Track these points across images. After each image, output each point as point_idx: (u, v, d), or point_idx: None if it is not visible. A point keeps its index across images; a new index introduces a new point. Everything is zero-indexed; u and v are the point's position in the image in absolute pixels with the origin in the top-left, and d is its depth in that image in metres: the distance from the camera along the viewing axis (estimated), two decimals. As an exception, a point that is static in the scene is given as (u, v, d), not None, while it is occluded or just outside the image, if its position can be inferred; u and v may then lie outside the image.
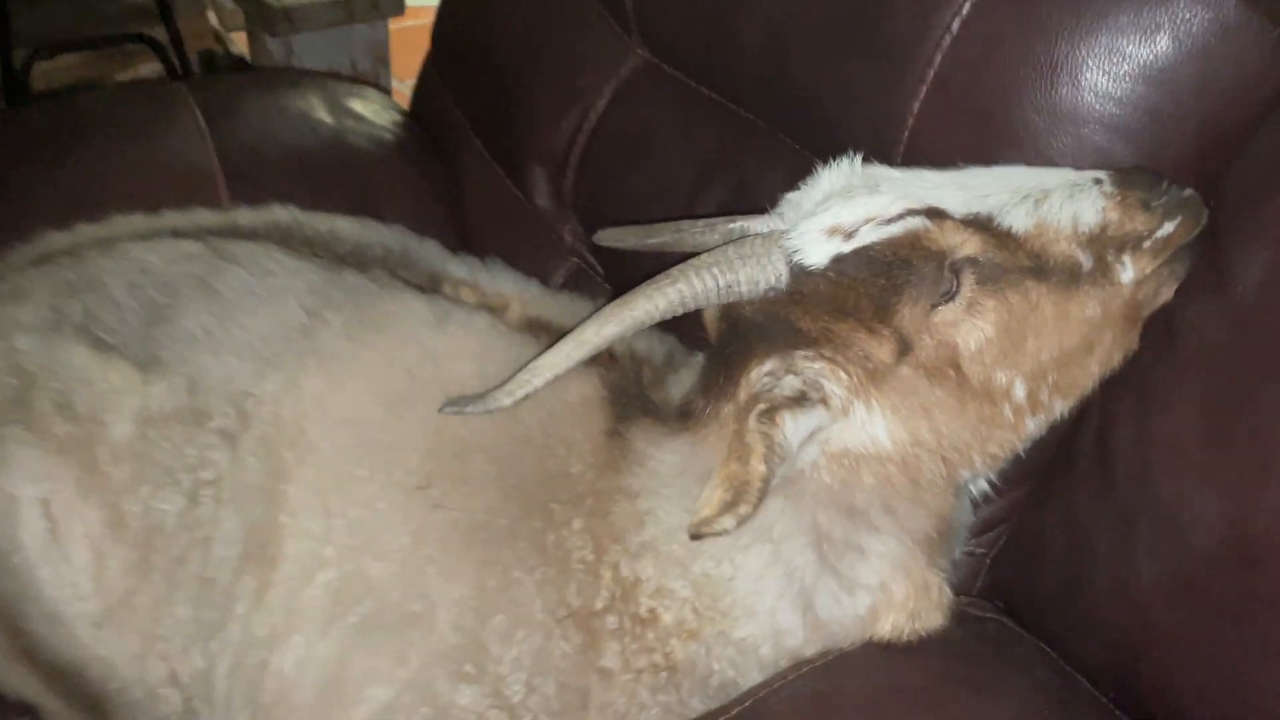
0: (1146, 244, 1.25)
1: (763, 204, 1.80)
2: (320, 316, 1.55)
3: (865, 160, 1.34)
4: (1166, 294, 1.29)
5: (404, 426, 1.48)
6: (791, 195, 1.35)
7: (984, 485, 1.45)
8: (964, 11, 1.41)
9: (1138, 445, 1.28)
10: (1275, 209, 1.17)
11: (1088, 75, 1.35)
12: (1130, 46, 1.33)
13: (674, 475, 1.39)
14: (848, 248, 1.23)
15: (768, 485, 1.18)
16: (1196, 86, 1.30)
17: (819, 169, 1.33)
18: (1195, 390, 1.22)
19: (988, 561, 1.57)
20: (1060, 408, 1.32)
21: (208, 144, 2.00)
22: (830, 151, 1.68)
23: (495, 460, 1.46)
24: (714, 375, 1.34)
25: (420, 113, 2.46)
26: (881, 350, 1.24)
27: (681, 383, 1.48)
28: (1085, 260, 1.24)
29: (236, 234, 1.79)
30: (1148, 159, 1.35)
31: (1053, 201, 1.24)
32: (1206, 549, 1.18)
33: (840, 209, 1.25)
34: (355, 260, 1.76)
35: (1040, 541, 1.45)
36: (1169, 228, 1.25)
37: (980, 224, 1.23)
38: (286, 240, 1.78)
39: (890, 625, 1.38)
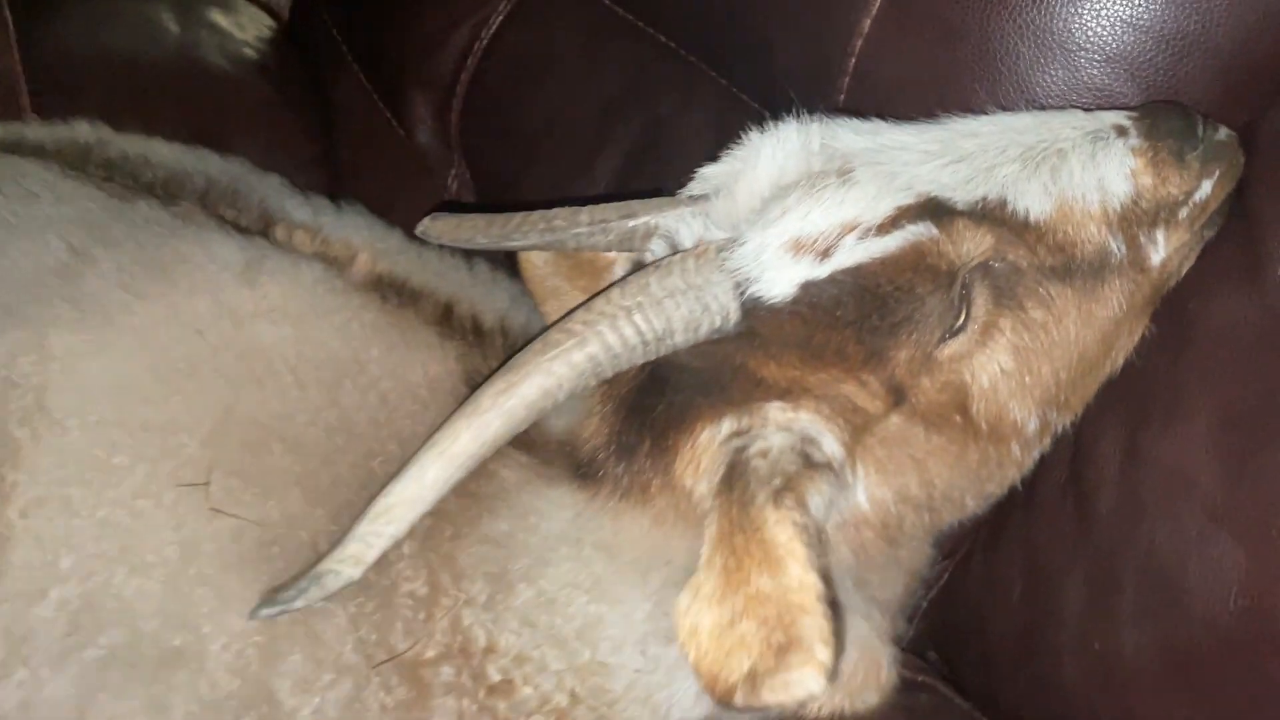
0: (1183, 212, 1.00)
1: (683, 149, 1.48)
2: (87, 256, 1.22)
3: (813, 111, 1.02)
4: (1189, 264, 1.05)
5: (182, 403, 1.16)
6: (714, 170, 1.05)
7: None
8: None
9: (1127, 474, 0.99)
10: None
11: (1088, -12, 1.04)
12: (1145, -48, 1.02)
13: (565, 542, 1.08)
14: (822, 272, 0.94)
15: (833, 604, 0.82)
16: (1231, 5, 0.99)
17: (751, 128, 1.02)
18: (1211, 404, 0.92)
19: (925, 604, 1.26)
20: (1065, 424, 1.08)
21: (10, 43, 1.64)
22: (760, 84, 1.39)
23: (301, 454, 1.16)
24: (631, 431, 1.02)
25: (298, 37, 2.11)
26: (871, 402, 0.97)
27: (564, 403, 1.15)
28: (1116, 247, 1.00)
29: (18, 149, 1.44)
30: (1152, 98, 1.04)
31: (1072, 167, 0.98)
32: (1213, 619, 0.89)
33: (804, 211, 0.95)
34: (165, 191, 1.42)
35: (992, 587, 1.15)
36: (1207, 187, 1.00)
37: (990, 213, 0.97)
38: (81, 162, 1.46)
39: (828, 710, 1.10)
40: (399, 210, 1.80)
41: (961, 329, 0.95)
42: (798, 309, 0.94)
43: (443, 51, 1.76)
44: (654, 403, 0.99)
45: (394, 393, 1.21)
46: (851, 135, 1.01)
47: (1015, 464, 1.05)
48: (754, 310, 0.94)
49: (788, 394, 0.95)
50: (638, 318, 0.92)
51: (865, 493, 1.00)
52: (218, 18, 2.00)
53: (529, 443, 1.13)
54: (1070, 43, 1.06)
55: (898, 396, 0.97)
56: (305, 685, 1.12)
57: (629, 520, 1.03)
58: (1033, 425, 1.01)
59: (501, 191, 1.71)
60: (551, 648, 1.07)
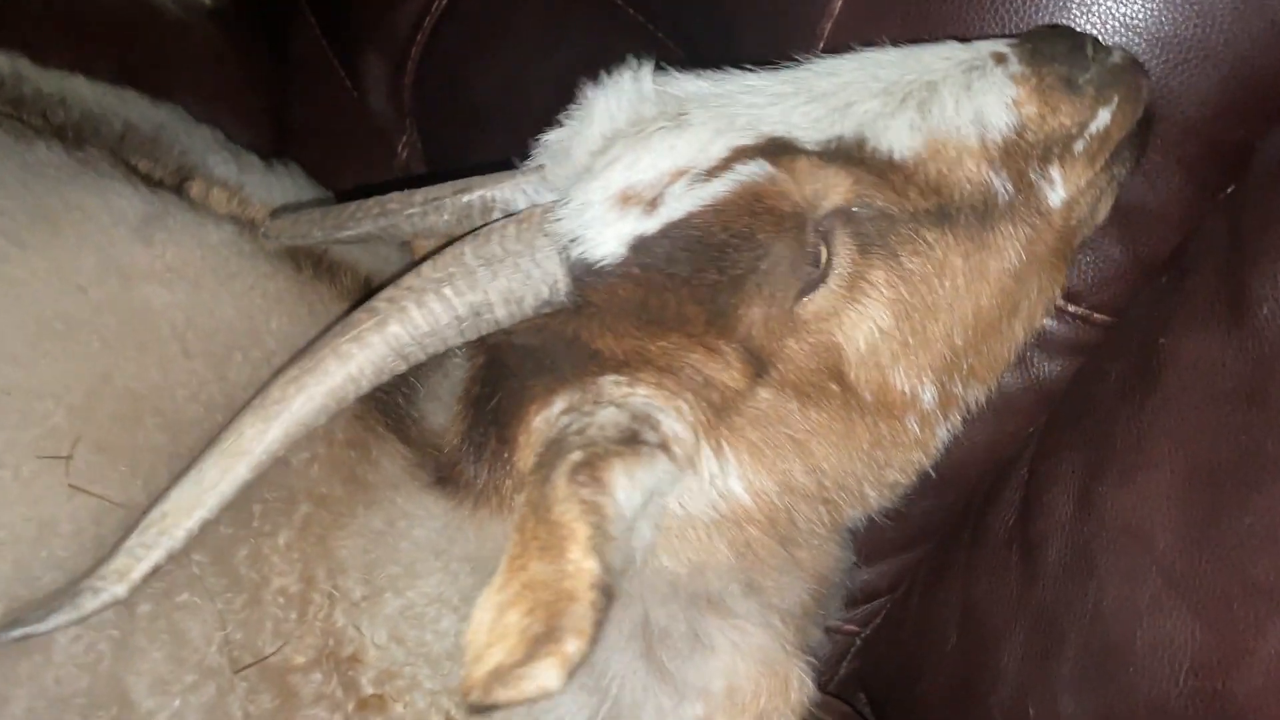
0: (1079, 145, 0.91)
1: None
2: (-34, 196, 1.09)
3: (662, 68, 0.93)
4: (1104, 211, 0.96)
5: (52, 366, 1.06)
6: (555, 134, 0.95)
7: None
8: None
9: (1078, 525, 0.89)
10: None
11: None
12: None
13: (433, 553, 0.97)
14: (652, 225, 0.85)
15: (610, 593, 0.71)
16: (1236, 11, 0.88)
17: (591, 86, 0.92)
18: (1177, 456, 0.82)
19: (859, 641, 1.16)
20: (976, 397, 0.98)
21: (-66, -40, 1.52)
22: (726, 65, 1.28)
23: (175, 431, 1.06)
24: (478, 428, 0.92)
25: (259, -18, 1.99)
26: (726, 373, 0.87)
27: (445, 389, 1.04)
28: (1001, 185, 0.90)
29: (-85, 81, 1.33)
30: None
31: (944, 100, 0.89)
32: (1159, 696, 0.78)
33: (632, 159, 0.86)
34: (74, 135, 1.31)
35: (928, 632, 1.04)
36: (1105, 116, 0.90)
37: (847, 153, 0.88)
38: (-16, 97, 1.33)
39: None
40: (345, 175, 1.72)
41: (822, 281, 0.86)
42: (630, 270, 0.85)
43: (400, 10, 1.65)
44: (492, 392, 0.90)
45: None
46: (693, 81, 0.92)
47: (917, 444, 0.93)
48: (584, 276, 0.85)
49: (625, 366, 0.85)
50: (448, 291, 0.83)
51: (742, 483, 0.89)
52: (170, -45, 1.87)
53: (407, 435, 1.03)
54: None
55: (758, 365, 0.87)
56: (163, 686, 1.02)
57: (492, 528, 0.92)
58: (928, 396, 0.91)
59: (452, 162, 1.61)
60: (423, 665, 0.97)
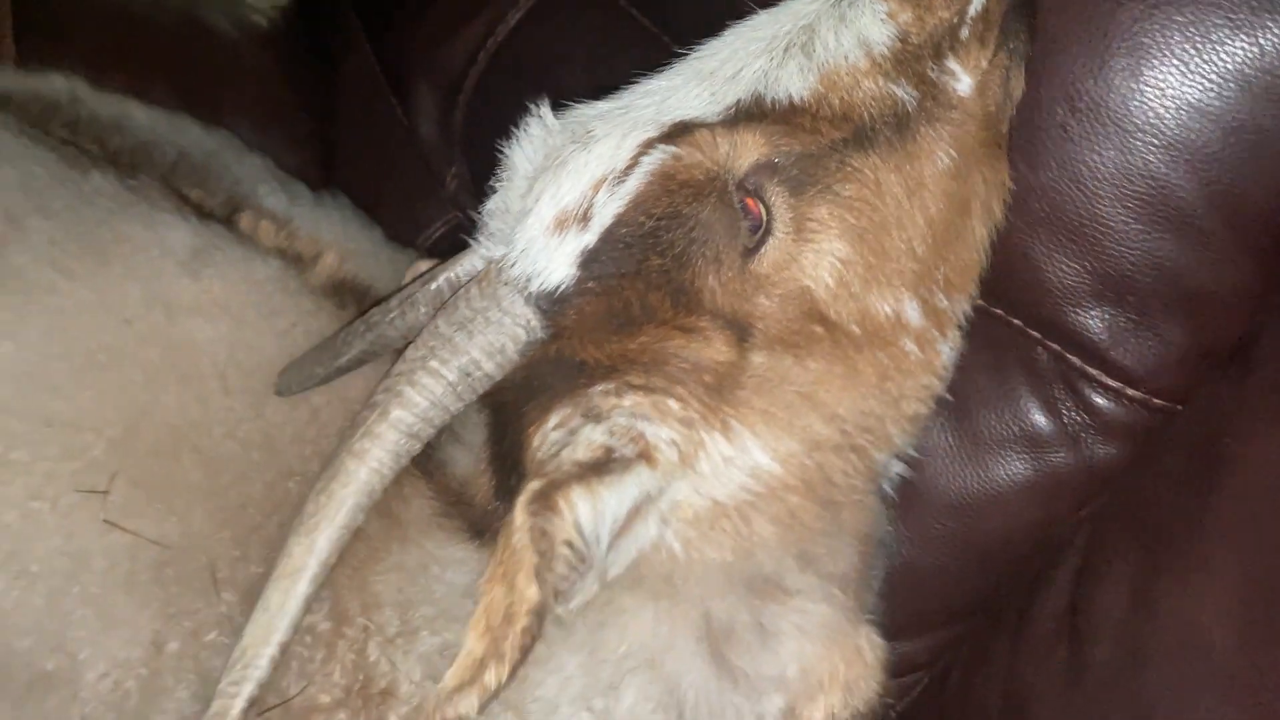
0: (964, 32, 0.94)
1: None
2: (19, 224, 1.12)
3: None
4: (1018, 85, 0.97)
5: (94, 398, 1.06)
6: (491, 201, 1.00)
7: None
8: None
9: (1132, 622, 0.86)
10: None
11: (1156, 64, 0.91)
12: (1227, 31, 0.88)
13: (470, 598, 0.95)
14: (591, 237, 0.89)
15: (541, 618, 0.76)
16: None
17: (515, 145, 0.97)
18: (1238, 560, 0.80)
19: (893, 715, 1.13)
20: (963, 307, 0.99)
21: (-4, -21, 1.54)
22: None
23: (212, 468, 1.06)
24: (503, 481, 0.94)
25: (311, 8, 2.00)
26: (710, 349, 0.90)
27: (469, 436, 1.04)
28: (904, 93, 0.93)
29: (-22, 100, 1.34)
30: (1222, 204, 0.91)
31: (824, 37, 0.93)
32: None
33: (555, 187, 0.90)
34: (129, 161, 1.32)
35: (968, 713, 1.00)
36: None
37: (748, 113, 0.91)
38: (44, 119, 1.35)
39: (821, 713, 0.98)
40: (390, 204, 1.71)
41: (768, 232, 0.89)
42: (586, 284, 0.89)
43: (455, 42, 1.65)
44: (502, 436, 0.93)
45: (327, 409, 1.10)
46: (592, 107, 0.97)
47: (922, 367, 0.95)
48: (550, 306, 0.89)
49: (613, 372, 0.88)
50: (433, 363, 0.87)
51: (766, 452, 0.90)
52: (229, -23, 1.89)
53: (433, 479, 1.03)
54: (1127, 122, 0.93)
55: (739, 330, 0.89)
56: (189, 726, 1.02)
57: None
58: (913, 314, 0.93)
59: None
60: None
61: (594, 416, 0.86)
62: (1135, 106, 0.93)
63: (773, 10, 0.96)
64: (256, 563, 1.04)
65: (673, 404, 0.87)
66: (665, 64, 0.98)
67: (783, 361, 0.90)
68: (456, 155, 1.69)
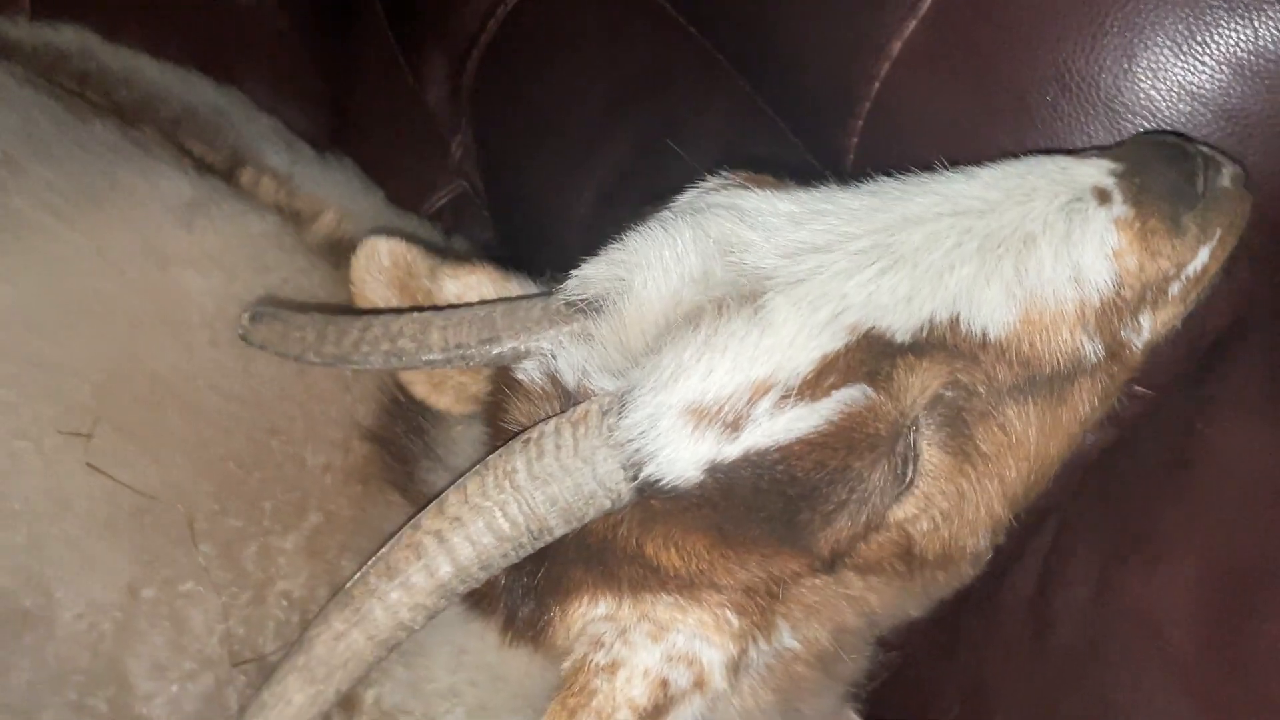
0: (1174, 288, 0.83)
1: (692, 155, 1.34)
2: (18, 168, 1.13)
3: (731, 181, 0.85)
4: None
5: (83, 343, 1.08)
6: (596, 272, 0.85)
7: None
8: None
9: (1094, 610, 0.85)
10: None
11: (1150, 44, 0.89)
12: (1224, 14, 0.87)
13: (447, 643, 0.96)
14: (733, 450, 0.75)
15: None
16: (1309, 88, 0.84)
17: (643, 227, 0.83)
18: (1202, 551, 0.79)
19: (864, 694, 1.12)
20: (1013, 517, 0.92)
21: (16, -68, 1.55)
22: (781, 94, 1.26)
23: (195, 418, 1.06)
24: (516, 585, 0.88)
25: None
26: (790, 573, 0.82)
27: (453, 459, 1.02)
28: (1092, 349, 0.82)
29: (-9, 48, 1.36)
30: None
31: (1042, 257, 0.79)
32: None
33: (707, 369, 0.75)
34: (133, 113, 1.33)
35: (931, 700, 1.01)
36: (1204, 255, 0.82)
37: (940, 339, 0.78)
38: (52, 70, 1.36)
39: None
40: (397, 169, 1.72)
41: (909, 490, 0.79)
42: (706, 495, 0.77)
43: (467, 8, 1.65)
44: (536, 565, 0.84)
45: (315, 368, 1.11)
46: (762, 239, 0.80)
47: (965, 576, 0.92)
48: (650, 490, 0.77)
49: (689, 586, 0.81)
50: (503, 522, 0.76)
51: (795, 637, 0.87)
52: (246, -64, 1.89)
53: (415, 503, 1.01)
54: (1117, 102, 0.91)
55: (828, 565, 0.82)
56: (162, 672, 1.04)
57: (516, 657, 0.91)
58: (984, 544, 0.87)
59: (501, 167, 1.60)
60: None
61: (655, 634, 0.81)
62: (1127, 87, 0.91)
63: (991, 178, 0.82)
64: (235, 517, 1.05)
65: (734, 619, 0.82)
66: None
67: (848, 577, 0.86)
68: (463, 123, 1.69)
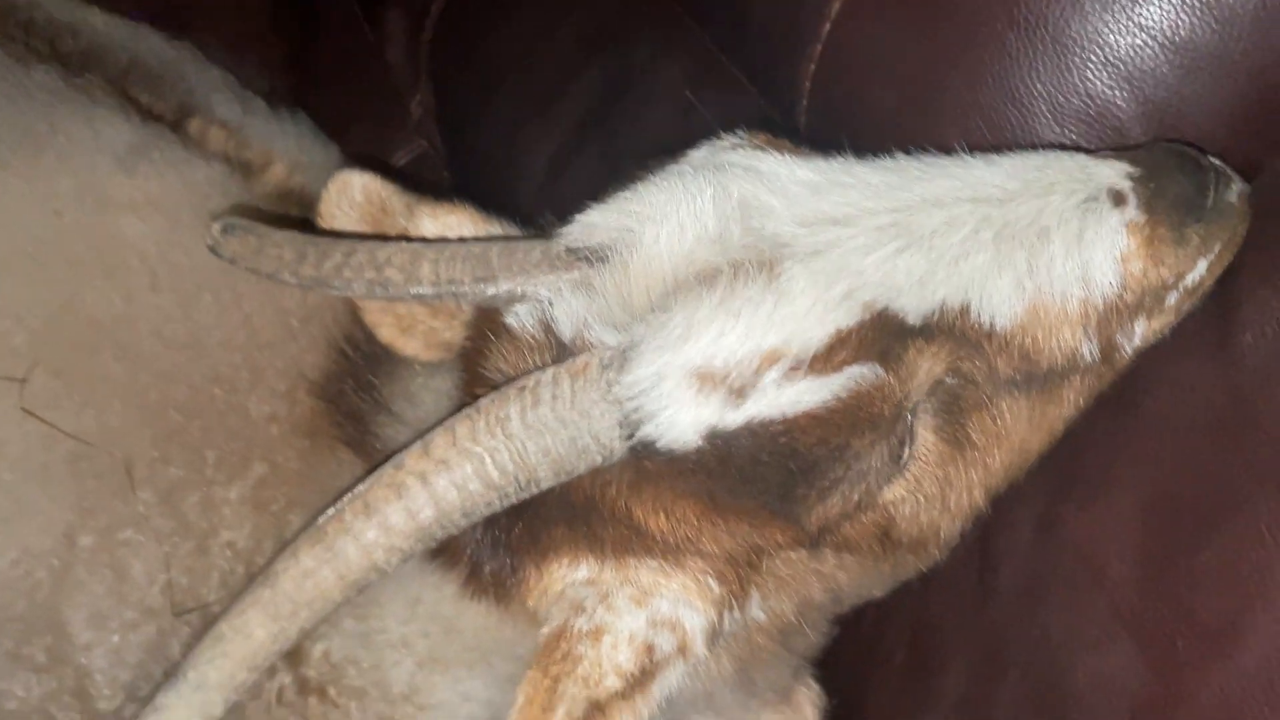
0: (1171, 298, 0.82)
1: (649, 106, 1.34)
2: (-45, 113, 1.09)
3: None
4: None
5: (18, 287, 1.07)
6: (602, 219, 0.82)
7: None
8: None
9: (1036, 549, 0.85)
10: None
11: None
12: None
13: (401, 594, 0.94)
14: (736, 418, 0.74)
15: None
16: (1258, 20, 0.83)
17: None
18: (1142, 486, 0.78)
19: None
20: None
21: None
22: (737, 41, 1.24)
23: (137, 365, 1.04)
24: (488, 537, 0.86)
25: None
26: (773, 544, 0.82)
27: (410, 413, 1.00)
28: (1089, 350, 0.82)
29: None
30: (1158, 123, 0.88)
31: (1054, 253, 0.79)
32: (1100, 738, 0.73)
33: (718, 332, 0.73)
34: (79, 63, 1.31)
35: (877, 648, 1.02)
36: (1202, 267, 0.81)
37: (950, 324, 0.78)
38: (-2, 19, 1.32)
39: None
40: (358, 130, 1.70)
41: (901, 472, 0.79)
42: (702, 461, 0.75)
43: (425, -36, 1.63)
44: (512, 520, 0.82)
45: (260, 315, 1.09)
46: (782, 204, 0.78)
47: (932, 560, 0.90)
48: (645, 451, 0.75)
49: (674, 551, 0.79)
50: (491, 469, 0.73)
51: (762, 609, 0.86)
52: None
53: (369, 458, 1.00)
54: (1064, 37, 0.90)
55: (812, 540, 0.81)
56: (102, 621, 1.02)
57: (475, 609, 0.89)
58: (957, 530, 0.87)
59: (461, 124, 1.58)
60: (375, 689, 0.95)
61: (638, 599, 0.79)
62: (1075, 21, 0.89)
63: (1012, 166, 0.81)
64: (177, 465, 1.03)
65: (715, 586, 0.81)
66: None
67: (824, 553, 0.85)
68: (422, 81, 1.68)
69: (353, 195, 0.97)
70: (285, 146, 1.36)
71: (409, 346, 0.99)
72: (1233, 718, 0.66)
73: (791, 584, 0.86)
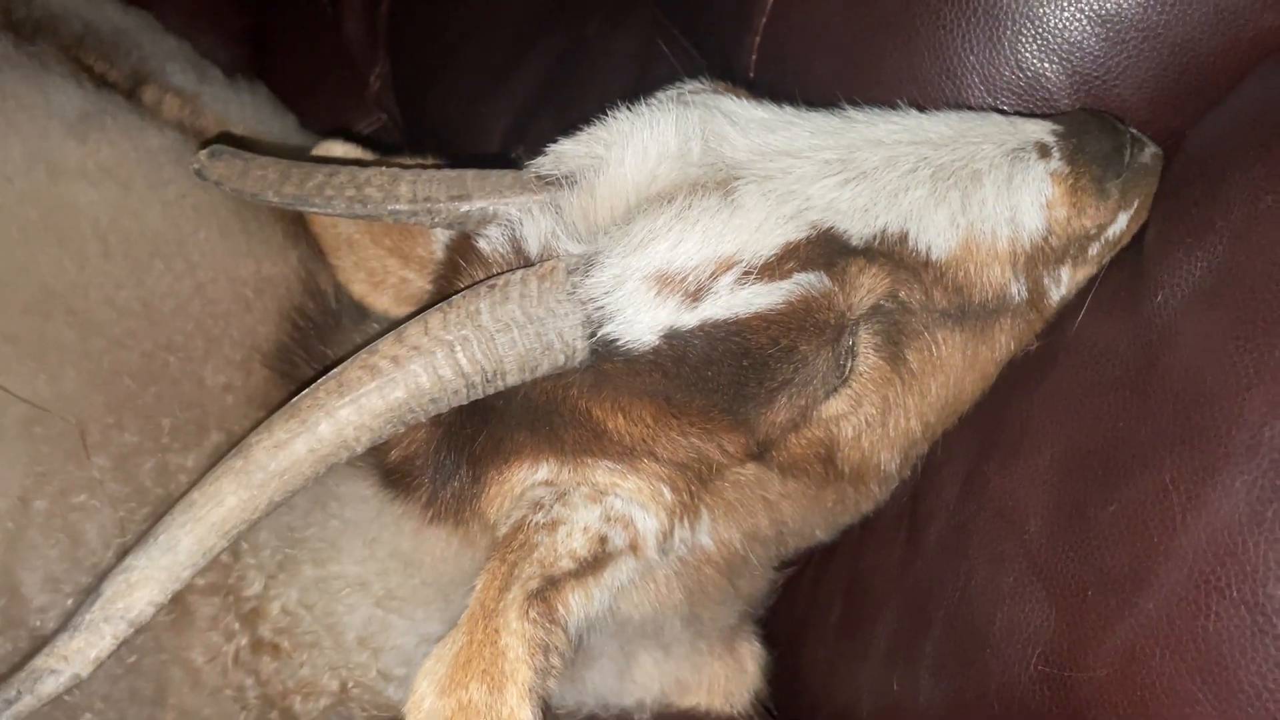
0: (1094, 248, 0.90)
1: (603, 76, 1.35)
2: (-102, 77, 1.09)
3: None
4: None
5: (-34, 253, 1.03)
6: (572, 148, 0.88)
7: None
8: None
9: (961, 505, 0.89)
10: (1242, 184, 0.73)
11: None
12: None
13: (360, 537, 0.96)
14: (691, 319, 0.79)
15: None
16: (1176, -4, 0.86)
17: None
18: (1057, 441, 0.81)
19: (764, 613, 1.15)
20: (925, 450, 0.98)
21: None
22: (687, 14, 1.26)
23: (85, 330, 1.04)
24: (448, 452, 0.89)
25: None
26: (723, 454, 0.85)
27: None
28: (1017, 290, 0.88)
29: None
30: (1086, 94, 0.90)
31: (985, 194, 0.86)
32: (1009, 681, 0.77)
33: (676, 238, 0.79)
34: (31, 30, 1.30)
35: (815, 605, 1.05)
36: (1123, 221, 0.88)
37: (889, 249, 0.84)
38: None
39: (690, 703, 1.05)
40: (314, 101, 1.70)
41: (844, 385, 0.84)
42: (659, 360, 0.80)
43: (382, -65, 1.63)
44: (476, 429, 0.86)
45: (214, 284, 1.10)
46: (739, 135, 0.85)
47: (872, 498, 0.95)
48: (606, 351, 0.80)
49: (630, 453, 0.83)
50: (461, 357, 0.77)
51: (710, 536, 0.90)
52: None
53: None
54: (997, 9, 0.92)
55: (759, 451, 0.86)
56: (56, 585, 1.02)
57: (434, 538, 0.92)
58: (895, 464, 0.92)
59: (418, 95, 1.59)
60: (328, 637, 0.96)
61: (594, 496, 0.82)
62: (1007, -4, 0.92)
63: (951, 119, 0.87)
64: (131, 431, 1.04)
65: (667, 493, 0.84)
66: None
67: (770, 475, 0.89)
68: (381, 53, 1.68)
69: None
70: (241, 116, 1.36)
71: (380, 302, 1.04)
72: (1136, 662, 0.69)
73: (740, 509, 0.90)
